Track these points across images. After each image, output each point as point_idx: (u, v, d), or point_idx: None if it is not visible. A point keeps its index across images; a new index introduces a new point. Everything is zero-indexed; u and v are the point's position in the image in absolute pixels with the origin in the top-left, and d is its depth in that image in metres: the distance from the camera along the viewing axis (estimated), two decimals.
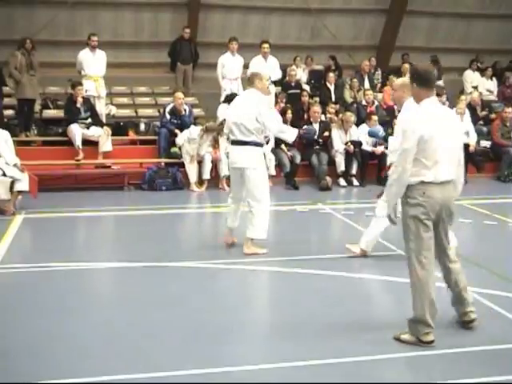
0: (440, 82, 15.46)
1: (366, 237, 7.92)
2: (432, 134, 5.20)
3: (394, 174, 5.30)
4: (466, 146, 13.72)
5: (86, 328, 5.64)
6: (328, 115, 13.92)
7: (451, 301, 5.68)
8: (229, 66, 14.14)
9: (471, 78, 17.19)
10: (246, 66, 14.23)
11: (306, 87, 15.54)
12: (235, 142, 7.98)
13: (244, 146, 7.89)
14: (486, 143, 14.45)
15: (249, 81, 8.15)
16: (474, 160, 14.01)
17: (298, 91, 14.71)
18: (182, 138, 12.71)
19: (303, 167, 13.04)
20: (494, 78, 17.31)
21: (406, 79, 7.14)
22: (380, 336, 5.48)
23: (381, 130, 8.51)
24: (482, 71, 17.38)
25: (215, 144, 12.75)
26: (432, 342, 5.28)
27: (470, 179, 13.44)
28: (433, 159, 5.22)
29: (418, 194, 5.26)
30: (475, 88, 16.60)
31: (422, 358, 5.14)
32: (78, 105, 12.95)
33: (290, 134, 8.28)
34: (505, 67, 18.33)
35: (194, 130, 12.69)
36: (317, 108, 13.22)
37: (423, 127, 5.20)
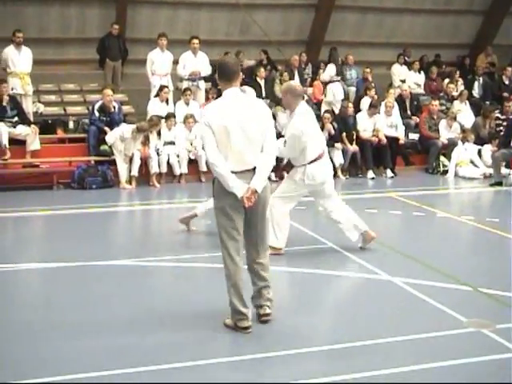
0: None
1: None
2: (225, 124, 5.30)
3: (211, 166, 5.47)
4: (395, 140, 13.99)
5: (7, 330, 5.54)
6: None
7: (252, 295, 5.70)
8: (158, 62, 14.02)
9: (399, 71, 17.45)
10: (175, 62, 14.15)
11: None
12: None
13: None
14: (414, 136, 14.71)
15: None
16: (402, 153, 14.28)
17: None
18: (113, 135, 12.54)
19: None
20: (421, 72, 17.62)
21: (287, 84, 7.89)
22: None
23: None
24: (410, 65, 17.66)
25: (145, 142, 12.63)
26: (247, 328, 5.45)
27: (399, 172, 13.74)
28: (231, 149, 5.33)
29: (222, 185, 5.42)
30: (403, 81, 16.87)
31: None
32: (4, 103, 12.63)
33: None
34: (431, 61, 18.68)
35: (127, 129, 12.52)
36: None
37: (218, 118, 5.33)
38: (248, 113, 5.40)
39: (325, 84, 15.71)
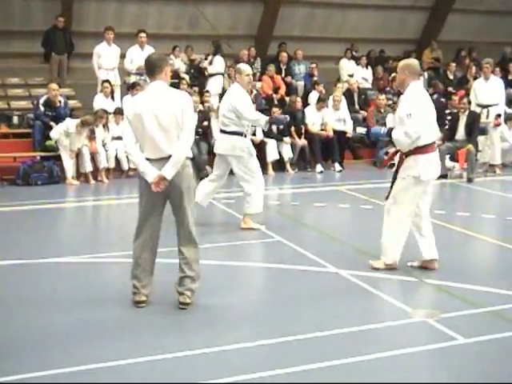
0: None
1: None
2: (139, 113, 5.58)
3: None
4: (343, 134, 14.10)
5: None
6: (206, 104, 13.87)
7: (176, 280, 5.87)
8: (105, 55, 13.87)
9: (347, 66, 17.58)
10: (122, 56, 14.00)
11: (186, 77, 15.44)
12: (221, 131, 8.77)
13: (225, 135, 8.60)
14: (361, 130, 14.80)
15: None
16: (350, 146, 14.39)
17: (177, 81, 14.59)
18: (57, 131, 12.34)
19: None
20: (368, 67, 17.79)
21: (408, 60, 7.17)
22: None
23: (382, 129, 7.93)
24: (357, 60, 17.82)
25: (92, 136, 12.44)
26: (139, 302, 5.81)
27: (347, 165, 13.85)
28: (145, 137, 5.62)
29: None
30: (351, 76, 17.00)
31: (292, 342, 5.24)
32: None
33: (262, 120, 8.67)
34: (377, 56, 18.87)
35: (71, 124, 12.33)
36: (195, 98, 13.16)
37: (133, 108, 5.66)
38: (163, 103, 5.61)
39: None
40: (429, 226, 7.06)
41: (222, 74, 15.55)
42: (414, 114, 6.64)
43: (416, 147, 6.75)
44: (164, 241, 6.06)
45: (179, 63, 16.01)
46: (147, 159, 5.66)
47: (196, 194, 8.85)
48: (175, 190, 5.69)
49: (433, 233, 7.07)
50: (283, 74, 16.40)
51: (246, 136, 8.67)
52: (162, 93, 5.70)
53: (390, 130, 7.11)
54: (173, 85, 14.25)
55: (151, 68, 5.77)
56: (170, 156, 5.60)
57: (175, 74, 14.93)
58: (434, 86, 16.55)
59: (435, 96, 15.14)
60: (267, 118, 8.79)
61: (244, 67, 8.81)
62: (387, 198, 7.03)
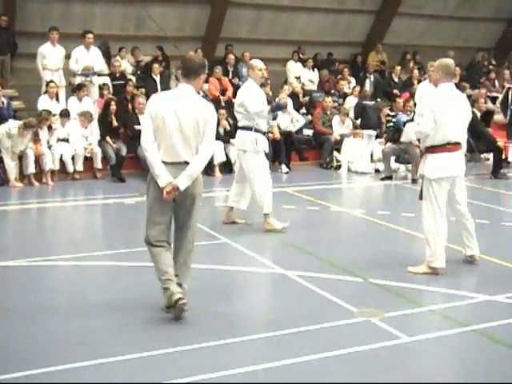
0: None
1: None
2: (163, 114, 5.47)
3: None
4: (290, 135, 14.18)
5: None
6: None
7: None
8: (49, 56, 13.64)
9: (294, 68, 17.70)
10: (67, 57, 13.82)
11: (132, 78, 15.34)
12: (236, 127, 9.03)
13: (238, 131, 8.85)
14: (308, 131, 14.95)
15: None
16: (297, 148, 14.48)
17: (123, 82, 14.50)
18: None
19: (130, 159, 12.86)
20: (315, 69, 17.93)
21: (442, 60, 7.22)
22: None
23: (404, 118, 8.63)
24: (304, 62, 17.94)
25: (36, 139, 12.22)
26: (177, 300, 5.52)
27: (294, 167, 13.92)
28: (165, 138, 5.49)
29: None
30: (298, 78, 17.11)
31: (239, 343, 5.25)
32: None
33: (265, 112, 8.75)
34: (325, 59, 19.04)
35: (13, 125, 12.09)
36: (141, 99, 13.10)
37: (158, 106, 5.53)
38: (188, 107, 5.51)
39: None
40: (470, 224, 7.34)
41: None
42: (425, 115, 6.93)
43: (426, 147, 7.09)
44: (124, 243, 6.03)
45: (126, 64, 15.89)
46: (164, 162, 5.52)
47: (230, 198, 9.05)
48: (186, 194, 5.58)
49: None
50: (230, 76, 16.40)
51: (255, 130, 8.70)
52: (189, 98, 5.60)
53: (408, 121, 7.63)
54: (119, 86, 14.33)
55: (189, 70, 5.65)
56: (185, 162, 5.50)
57: (121, 76, 14.84)
58: None
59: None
60: (269, 107, 8.91)
61: (256, 63, 8.87)
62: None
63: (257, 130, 8.71)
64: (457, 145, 7.08)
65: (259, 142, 8.74)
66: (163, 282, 5.59)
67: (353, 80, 17.56)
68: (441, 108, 6.93)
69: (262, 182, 8.73)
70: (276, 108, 9.76)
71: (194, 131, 5.52)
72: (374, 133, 14.58)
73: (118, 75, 14.71)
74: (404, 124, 7.53)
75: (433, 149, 7.02)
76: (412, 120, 7.73)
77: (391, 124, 14.00)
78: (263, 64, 8.95)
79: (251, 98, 8.63)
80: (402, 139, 8.54)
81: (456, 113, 7.03)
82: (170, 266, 5.64)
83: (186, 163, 5.51)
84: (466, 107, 7.25)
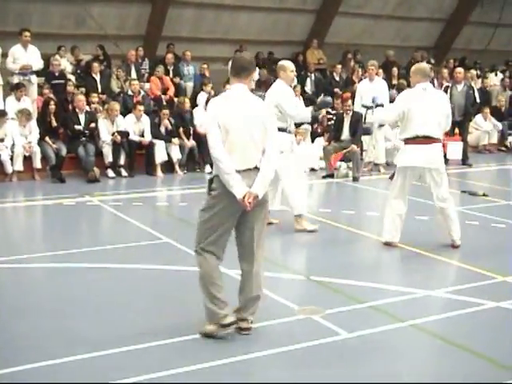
0: None
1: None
2: (231, 121, 5.18)
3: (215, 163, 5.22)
4: None
5: None
6: (93, 105, 13.62)
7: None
8: None
9: None
10: (4, 55, 13.53)
11: (72, 77, 15.12)
12: None
13: None
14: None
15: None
16: None
17: (63, 81, 14.27)
18: None
19: (70, 159, 12.67)
20: (256, 68, 17.95)
21: (418, 64, 8.30)
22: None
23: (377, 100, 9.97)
24: None
25: None
26: (232, 323, 5.30)
27: None
28: (235, 146, 5.20)
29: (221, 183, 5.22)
30: None
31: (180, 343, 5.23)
32: None
33: (306, 114, 8.96)
34: (266, 58, 19.11)
35: None
36: (81, 97, 12.92)
37: (223, 113, 5.19)
38: (254, 112, 5.26)
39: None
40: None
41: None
42: (393, 107, 8.10)
43: (402, 139, 8.09)
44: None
45: (65, 63, 15.66)
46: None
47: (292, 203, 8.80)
48: (258, 202, 5.23)
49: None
50: (171, 75, 16.30)
51: (290, 132, 8.68)
52: (248, 98, 5.32)
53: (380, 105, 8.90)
54: (58, 85, 14.10)
55: (240, 69, 5.33)
56: (255, 167, 5.22)
57: (61, 75, 14.60)
58: None
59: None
60: (311, 108, 8.92)
61: (288, 64, 8.85)
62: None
63: (289, 131, 8.71)
64: (427, 138, 7.76)
65: (294, 144, 8.89)
66: (208, 294, 5.32)
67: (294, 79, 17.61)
68: (410, 104, 7.75)
69: (294, 183, 8.71)
70: (322, 105, 9.80)
71: (262, 133, 5.27)
72: (308, 127, 14.50)
73: (57, 74, 14.48)
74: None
75: (405, 141, 7.90)
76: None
77: (332, 122, 14.11)
78: (293, 65, 8.96)
79: (288, 99, 8.52)
80: (370, 120, 9.13)
81: (426, 109, 7.75)
82: (220, 279, 5.37)
83: (257, 168, 5.24)
84: (439, 104, 7.92)
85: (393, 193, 8.06)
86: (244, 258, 5.45)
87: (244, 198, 5.11)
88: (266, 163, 5.24)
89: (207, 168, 13.31)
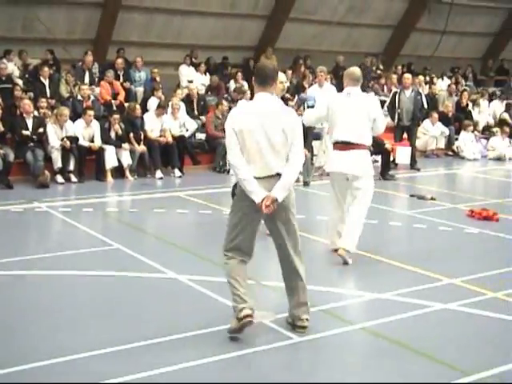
0: None
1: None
2: (249, 129, 5.24)
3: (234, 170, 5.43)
4: (182, 139, 14.14)
5: None
6: (41, 110, 13.43)
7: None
8: None
9: (186, 72, 17.69)
10: None
11: (20, 82, 14.89)
12: None
13: None
14: (201, 135, 14.95)
15: None
16: (190, 152, 14.44)
17: (10, 86, 14.06)
18: None
19: (18, 165, 12.46)
20: (207, 73, 17.98)
21: (348, 69, 7.92)
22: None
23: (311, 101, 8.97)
24: (197, 66, 17.95)
25: None
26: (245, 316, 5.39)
27: (187, 171, 13.89)
28: (254, 154, 5.28)
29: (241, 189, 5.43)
30: (190, 82, 17.10)
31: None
32: None
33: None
34: (219, 63, 19.12)
35: None
36: (27, 101, 12.76)
37: (242, 121, 5.27)
38: (273, 118, 5.29)
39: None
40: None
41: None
42: (316, 105, 8.30)
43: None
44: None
45: (13, 67, 15.43)
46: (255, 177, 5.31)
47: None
48: (280, 207, 5.36)
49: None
50: (122, 80, 16.18)
51: None
52: (272, 107, 5.36)
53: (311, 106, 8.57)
54: (5, 90, 13.88)
55: (264, 77, 5.38)
56: (277, 174, 5.31)
57: (8, 79, 14.39)
58: None
59: None
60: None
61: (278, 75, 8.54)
62: None
63: None
64: (347, 144, 7.57)
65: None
66: (233, 294, 5.49)
67: (245, 84, 17.67)
68: (333, 108, 7.71)
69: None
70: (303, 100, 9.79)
71: (284, 141, 5.31)
72: None
73: (3, 79, 14.26)
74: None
75: (333, 146, 7.84)
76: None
77: None
78: (285, 77, 8.85)
79: None
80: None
81: (347, 114, 7.55)
82: (241, 277, 5.55)
83: (279, 175, 5.32)
84: (363, 108, 7.63)
85: (330, 199, 8.11)
86: (284, 268, 5.78)
87: (262, 201, 5.24)
88: (288, 169, 5.34)
89: (158, 173, 13.27)
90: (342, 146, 7.61)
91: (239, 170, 5.30)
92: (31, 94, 14.19)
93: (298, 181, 13.11)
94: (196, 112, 15.72)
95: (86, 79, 15.59)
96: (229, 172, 14.05)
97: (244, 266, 5.58)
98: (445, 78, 21.83)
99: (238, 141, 5.27)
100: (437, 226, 9.50)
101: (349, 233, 7.63)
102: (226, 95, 16.76)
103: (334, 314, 6.05)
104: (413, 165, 15.11)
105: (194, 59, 18.28)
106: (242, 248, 5.52)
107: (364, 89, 18.48)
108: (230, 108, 15.43)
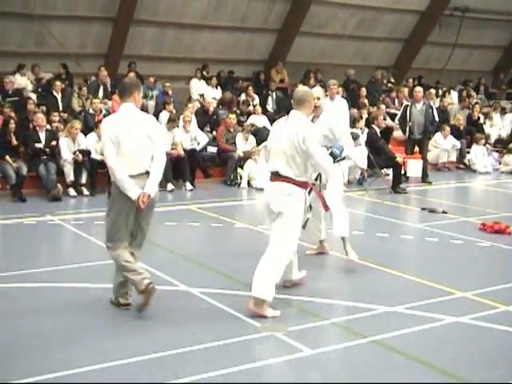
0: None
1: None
2: (119, 134, 6.09)
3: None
4: (194, 152, 14.17)
5: None
6: (54, 124, 13.52)
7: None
8: None
9: (197, 86, 17.77)
10: None
11: (33, 96, 15.00)
12: None
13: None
14: (212, 149, 14.99)
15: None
16: (201, 165, 14.48)
17: (17, 98, 14.17)
18: None
19: (31, 178, 12.54)
20: (218, 87, 18.05)
21: (295, 90, 6.73)
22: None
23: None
24: (208, 80, 18.03)
25: None
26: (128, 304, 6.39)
27: (199, 184, 13.92)
28: (126, 155, 6.11)
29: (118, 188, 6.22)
30: (201, 96, 17.17)
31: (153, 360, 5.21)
32: None
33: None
34: (227, 76, 19.19)
35: None
36: (40, 115, 12.85)
37: (113, 129, 6.13)
38: (138, 124, 6.20)
39: None
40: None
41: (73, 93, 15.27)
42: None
43: None
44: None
45: (26, 82, 15.55)
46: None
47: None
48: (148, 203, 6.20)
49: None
50: None
51: None
52: (134, 115, 6.26)
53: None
54: (18, 103, 13.99)
55: (122, 91, 6.36)
56: (146, 172, 6.18)
57: (20, 93, 14.51)
58: None
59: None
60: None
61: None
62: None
63: None
64: (275, 175, 6.44)
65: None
66: (131, 272, 6.16)
67: (256, 97, 17.73)
68: (271, 133, 6.81)
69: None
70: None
71: (149, 143, 6.21)
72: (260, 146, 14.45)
73: (10, 92, 14.35)
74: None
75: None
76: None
77: None
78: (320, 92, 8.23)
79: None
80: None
81: (278, 143, 6.44)
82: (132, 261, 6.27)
83: (147, 173, 6.20)
84: (291, 138, 6.31)
85: None
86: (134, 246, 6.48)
87: (138, 198, 6.08)
88: (155, 168, 6.23)
89: (169, 186, 13.29)
90: (272, 177, 6.49)
91: (117, 171, 6.10)
92: (44, 108, 14.29)
93: None
94: (208, 126, 15.80)
95: (100, 93, 15.69)
96: (239, 185, 14.10)
97: (129, 252, 6.31)
98: (455, 91, 21.82)
99: (114, 145, 6.10)
100: (448, 239, 9.48)
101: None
102: (234, 109, 16.80)
103: (346, 327, 6.05)
104: (424, 178, 15.08)
105: (204, 73, 18.37)
106: (124, 239, 6.29)
107: (375, 102, 18.53)
108: (238, 121, 15.54)
